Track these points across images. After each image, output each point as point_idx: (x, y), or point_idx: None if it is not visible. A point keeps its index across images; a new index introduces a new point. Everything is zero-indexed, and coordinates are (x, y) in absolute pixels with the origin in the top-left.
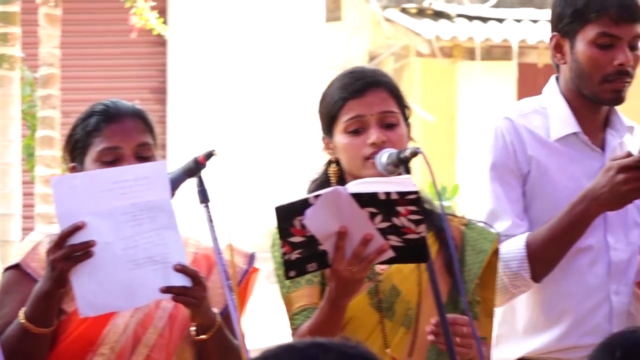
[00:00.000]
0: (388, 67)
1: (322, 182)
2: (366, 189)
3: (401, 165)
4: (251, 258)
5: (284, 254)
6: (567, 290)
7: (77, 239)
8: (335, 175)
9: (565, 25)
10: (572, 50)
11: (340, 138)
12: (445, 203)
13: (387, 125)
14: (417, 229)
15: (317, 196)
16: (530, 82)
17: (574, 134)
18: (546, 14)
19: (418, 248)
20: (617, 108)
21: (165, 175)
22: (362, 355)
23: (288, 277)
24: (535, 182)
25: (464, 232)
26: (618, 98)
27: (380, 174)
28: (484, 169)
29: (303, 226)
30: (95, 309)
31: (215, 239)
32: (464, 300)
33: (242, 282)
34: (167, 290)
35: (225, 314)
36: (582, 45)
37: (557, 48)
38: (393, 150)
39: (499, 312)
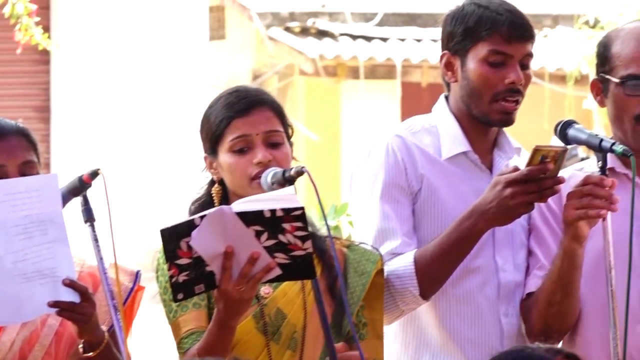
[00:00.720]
0: (272, 86)
1: (205, 202)
2: (251, 207)
3: (286, 184)
4: (136, 276)
5: (171, 276)
6: (459, 313)
7: None
8: (218, 195)
9: (457, 44)
10: (463, 68)
11: (225, 157)
12: (331, 222)
13: (273, 144)
14: (304, 245)
15: (202, 217)
16: (413, 100)
17: (464, 153)
18: (430, 32)
19: (305, 265)
20: (506, 130)
21: (56, 188)
22: None
23: (176, 300)
24: (425, 200)
25: (347, 254)
26: (508, 119)
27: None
28: (374, 186)
29: (189, 248)
30: None
31: (100, 258)
32: (350, 321)
33: (128, 300)
34: (54, 304)
35: (112, 331)
36: (473, 63)
37: (448, 66)
38: (278, 170)
39: (391, 332)
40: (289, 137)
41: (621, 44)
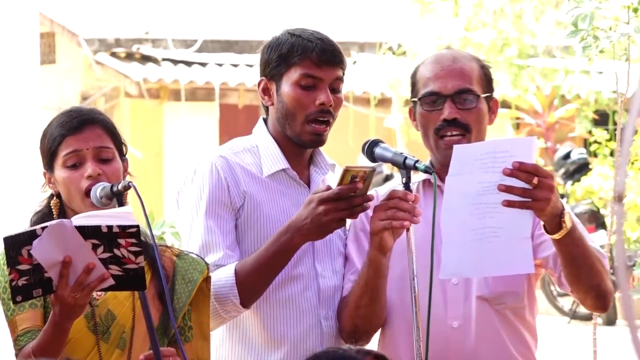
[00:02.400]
0: (99, 107)
1: (45, 214)
2: (90, 222)
3: (114, 197)
4: None
5: (12, 280)
6: (282, 315)
7: None
8: (56, 208)
9: (272, 69)
10: (278, 92)
11: (60, 172)
12: (155, 233)
13: (103, 160)
14: (137, 260)
15: (43, 228)
16: (231, 121)
17: (283, 170)
18: (246, 58)
19: (136, 277)
20: (321, 148)
21: None
22: None
23: (15, 302)
24: (248, 215)
25: (176, 262)
26: (318, 140)
27: (97, 207)
28: (200, 203)
29: (30, 255)
30: None
31: None
32: (174, 325)
33: None
34: None
35: None
36: (287, 86)
37: (265, 91)
38: (107, 184)
39: (218, 337)
40: (122, 154)
41: (423, 68)
